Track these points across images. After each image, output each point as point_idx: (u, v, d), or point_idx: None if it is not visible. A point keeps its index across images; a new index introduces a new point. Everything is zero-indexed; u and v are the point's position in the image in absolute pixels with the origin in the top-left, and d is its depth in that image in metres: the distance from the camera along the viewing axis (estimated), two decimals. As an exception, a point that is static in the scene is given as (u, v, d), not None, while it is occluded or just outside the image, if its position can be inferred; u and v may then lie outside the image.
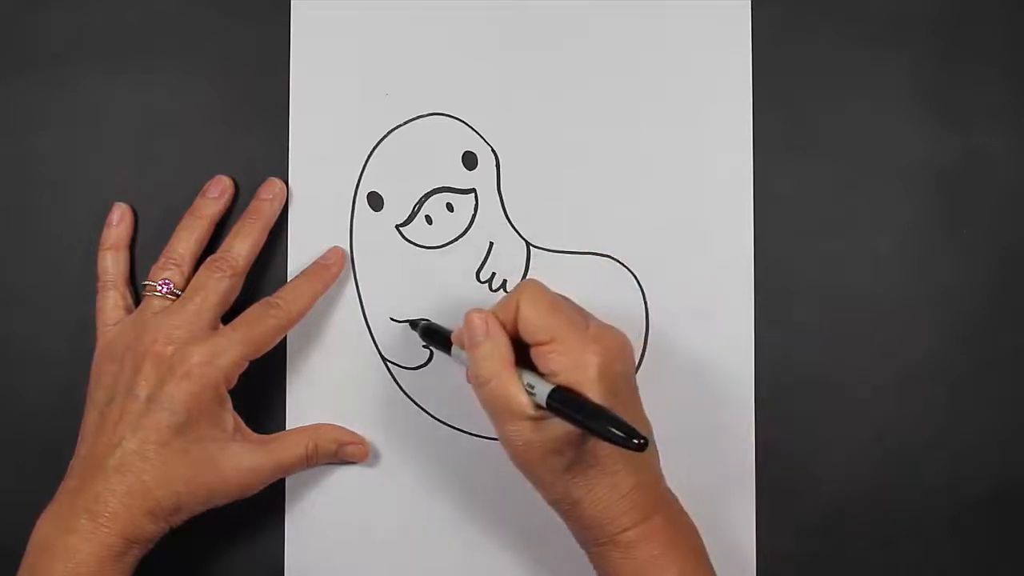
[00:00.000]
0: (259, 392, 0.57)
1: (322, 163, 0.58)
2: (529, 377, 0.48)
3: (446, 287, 0.58)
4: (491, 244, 0.58)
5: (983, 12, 0.58)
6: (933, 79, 0.58)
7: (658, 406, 0.57)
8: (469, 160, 0.58)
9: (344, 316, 0.58)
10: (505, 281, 0.58)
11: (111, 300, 0.56)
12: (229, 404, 0.53)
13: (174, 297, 0.54)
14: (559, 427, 0.48)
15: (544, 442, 0.48)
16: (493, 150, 0.58)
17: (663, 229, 0.58)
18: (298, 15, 0.58)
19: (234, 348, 0.52)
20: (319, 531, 0.58)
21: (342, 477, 0.58)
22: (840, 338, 0.58)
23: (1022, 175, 0.58)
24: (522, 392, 0.48)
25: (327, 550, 0.58)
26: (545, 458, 0.48)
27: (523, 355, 0.49)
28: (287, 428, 0.58)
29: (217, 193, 0.57)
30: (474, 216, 0.58)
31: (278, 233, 0.58)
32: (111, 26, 0.58)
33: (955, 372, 0.58)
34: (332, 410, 0.58)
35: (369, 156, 0.58)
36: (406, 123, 0.58)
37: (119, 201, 0.58)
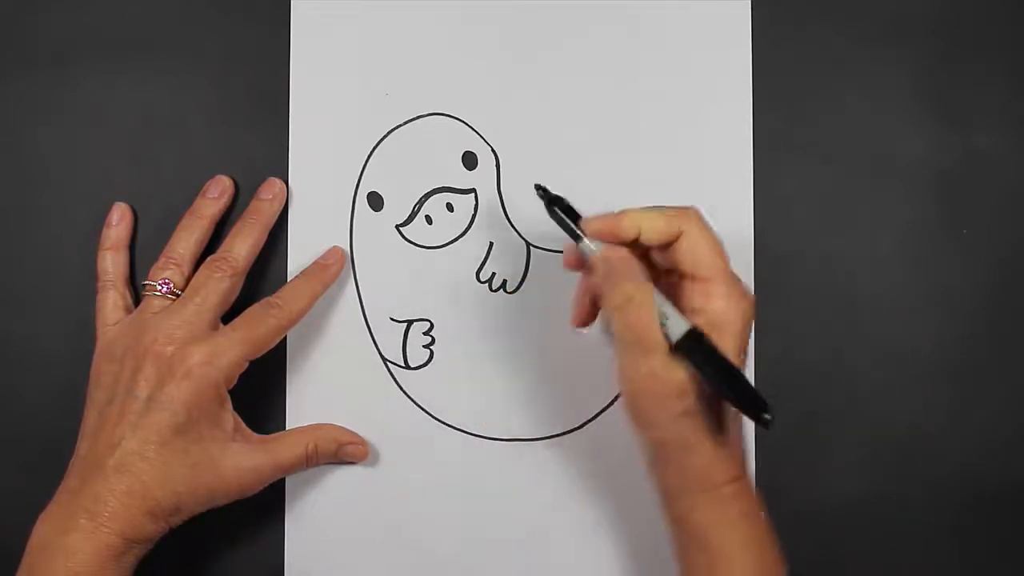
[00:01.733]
0: (259, 392, 0.57)
1: (322, 163, 0.58)
2: (666, 307, 0.46)
3: (446, 287, 0.58)
4: (491, 244, 0.58)
5: (983, 12, 0.58)
6: (933, 79, 0.58)
7: (658, 406, 0.57)
8: (469, 160, 0.58)
9: (344, 316, 0.58)
10: (505, 281, 0.58)
11: (111, 300, 0.56)
12: (229, 404, 0.53)
13: (174, 297, 0.54)
14: (687, 369, 0.46)
15: (668, 382, 0.46)
16: (493, 150, 0.58)
17: (663, 229, 0.58)
18: (298, 15, 0.58)
19: (234, 348, 0.52)
20: (319, 531, 0.58)
21: (342, 477, 0.58)
22: (840, 338, 0.58)
23: (1022, 175, 0.58)
24: (658, 324, 0.46)
25: (327, 550, 0.58)
26: (665, 399, 0.46)
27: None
28: (287, 428, 0.58)
29: (217, 193, 0.57)
30: (474, 216, 0.58)
31: (278, 233, 0.58)
32: (111, 26, 0.58)
33: (955, 372, 0.58)
34: (332, 410, 0.58)
35: (369, 156, 0.58)
36: (406, 123, 0.58)
37: (119, 201, 0.58)
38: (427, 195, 0.58)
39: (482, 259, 0.58)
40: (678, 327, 0.46)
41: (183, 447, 0.51)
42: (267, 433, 0.56)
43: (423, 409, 0.58)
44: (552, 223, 0.58)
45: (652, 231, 0.48)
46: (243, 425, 0.54)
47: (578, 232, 0.49)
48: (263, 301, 0.55)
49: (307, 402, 0.58)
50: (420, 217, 0.58)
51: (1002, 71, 0.58)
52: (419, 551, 0.58)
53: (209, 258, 0.55)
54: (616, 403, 0.57)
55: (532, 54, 0.58)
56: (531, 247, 0.58)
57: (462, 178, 0.58)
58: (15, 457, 0.58)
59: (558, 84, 0.58)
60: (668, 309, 0.46)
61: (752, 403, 0.43)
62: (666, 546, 0.57)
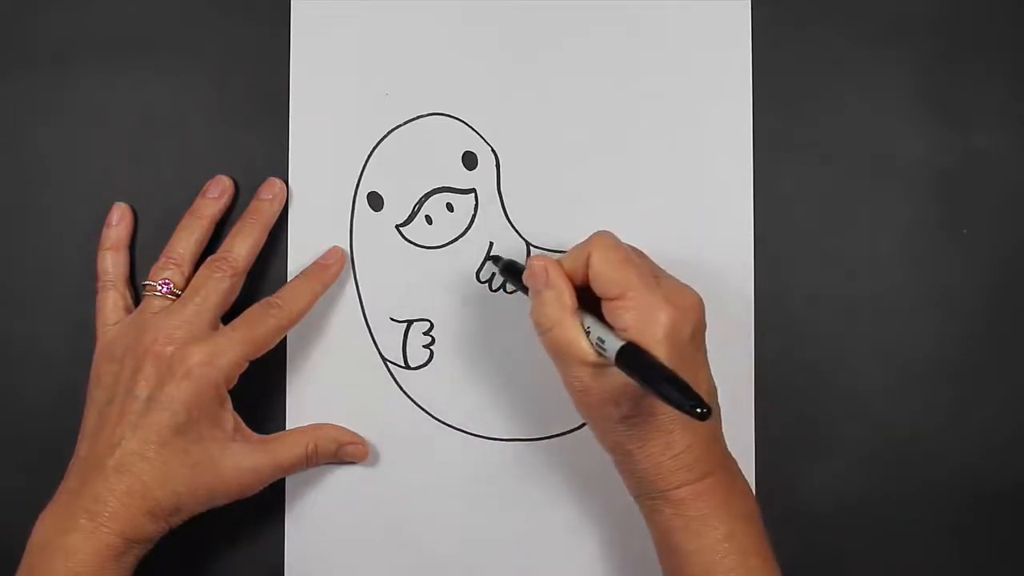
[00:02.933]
0: (259, 392, 0.57)
1: (322, 163, 0.58)
2: (599, 331, 0.48)
3: (446, 287, 0.58)
4: (491, 244, 0.58)
5: (983, 12, 0.58)
6: (933, 79, 0.58)
7: (658, 406, 0.57)
8: (469, 160, 0.58)
9: (344, 316, 0.58)
10: (505, 281, 0.58)
11: (111, 300, 0.56)
12: (229, 404, 0.53)
13: (174, 297, 0.54)
14: (618, 377, 0.47)
15: (602, 390, 0.48)
16: (493, 150, 0.58)
17: (663, 229, 0.58)
18: (298, 15, 0.58)
19: (234, 348, 0.52)
20: (319, 531, 0.58)
21: (342, 477, 0.58)
22: (840, 338, 0.58)
23: (1022, 175, 0.58)
24: (583, 339, 0.48)
25: (327, 550, 0.58)
26: (602, 406, 0.48)
27: (595, 304, 0.49)
28: (287, 428, 0.58)
29: (217, 193, 0.57)
30: (474, 216, 0.58)
31: (278, 233, 0.58)
32: (111, 26, 0.58)
33: (955, 372, 0.58)
34: (332, 410, 0.58)
35: (369, 156, 0.58)
36: (406, 123, 0.58)
37: (119, 201, 0.58)
38: (427, 195, 0.58)
39: (482, 259, 0.58)
40: (613, 346, 0.47)
41: (183, 447, 0.51)
42: (267, 433, 0.56)
43: (423, 409, 0.58)
44: (553, 221, 0.58)
45: (570, 272, 0.50)
46: (243, 425, 0.54)
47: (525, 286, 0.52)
48: (263, 301, 0.55)
49: (307, 402, 0.58)
50: (420, 217, 0.58)
51: (1002, 71, 0.58)
52: (419, 551, 0.58)
53: (209, 258, 0.55)
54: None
55: (532, 54, 0.58)
56: (531, 247, 0.58)
57: (462, 178, 0.58)
58: (15, 457, 0.58)
59: (558, 84, 0.58)
60: (602, 331, 0.48)
61: (691, 401, 0.44)
62: (666, 546, 0.57)
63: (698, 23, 0.58)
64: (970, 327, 0.58)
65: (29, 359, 0.58)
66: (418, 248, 0.58)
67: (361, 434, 0.58)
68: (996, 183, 0.58)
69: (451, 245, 0.58)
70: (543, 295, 0.50)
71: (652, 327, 0.47)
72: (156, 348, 0.52)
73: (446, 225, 0.58)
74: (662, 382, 0.44)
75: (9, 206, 0.58)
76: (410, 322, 0.58)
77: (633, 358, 0.46)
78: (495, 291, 0.58)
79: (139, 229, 0.58)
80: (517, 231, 0.58)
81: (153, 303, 0.54)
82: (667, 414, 0.48)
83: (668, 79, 0.58)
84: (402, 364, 0.58)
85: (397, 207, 0.58)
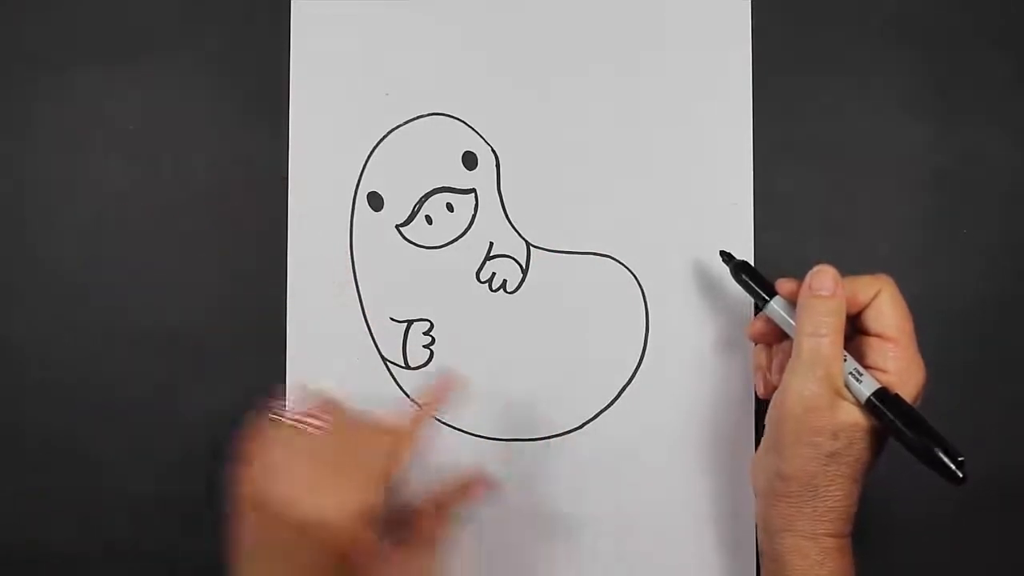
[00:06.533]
0: (259, 392, 0.57)
1: (322, 163, 0.58)
2: (855, 364, 0.49)
3: (446, 287, 0.58)
4: (491, 244, 0.58)
5: (983, 12, 0.58)
6: (933, 79, 0.58)
7: (658, 406, 0.57)
8: (469, 160, 0.58)
9: (344, 316, 0.58)
10: (505, 281, 0.58)
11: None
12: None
13: None
14: (851, 413, 0.48)
15: (831, 420, 0.48)
16: (493, 150, 0.58)
17: (663, 229, 0.58)
18: (298, 15, 0.58)
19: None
20: (319, 531, 0.58)
21: (342, 477, 0.58)
22: (840, 338, 0.58)
23: (1022, 175, 0.58)
24: (841, 362, 0.48)
25: (327, 550, 0.58)
26: (816, 433, 0.48)
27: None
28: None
29: None
30: (474, 216, 0.58)
31: (278, 233, 0.58)
32: (111, 26, 0.58)
33: (954, 372, 0.58)
34: (332, 410, 0.58)
35: (369, 156, 0.58)
36: (406, 123, 0.58)
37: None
38: (427, 195, 0.58)
39: (482, 259, 0.58)
40: (869, 384, 0.48)
41: None
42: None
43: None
44: (553, 221, 0.58)
45: (848, 293, 0.50)
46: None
47: (765, 296, 0.52)
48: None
49: (307, 402, 0.58)
50: (420, 217, 0.58)
51: (1002, 71, 0.58)
52: (419, 551, 0.58)
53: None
54: (616, 403, 0.57)
55: (532, 54, 0.58)
56: (531, 247, 0.58)
57: (462, 178, 0.58)
58: (15, 457, 0.58)
59: (558, 84, 0.58)
60: (857, 365, 0.49)
61: (945, 460, 0.46)
62: (661, 545, 0.57)
63: (698, 23, 0.58)
64: (970, 327, 0.58)
65: (29, 359, 0.58)
66: (418, 248, 0.58)
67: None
68: (996, 183, 0.58)
69: (451, 245, 0.58)
70: (830, 302, 0.49)
71: (907, 383, 0.49)
72: None
73: (446, 225, 0.58)
74: (926, 436, 0.47)
75: (9, 206, 0.58)
76: (410, 322, 0.58)
77: (894, 405, 0.48)
78: (495, 291, 0.58)
79: (139, 229, 0.58)
80: (517, 231, 0.58)
81: None
82: (870, 465, 0.49)
83: (668, 79, 0.58)
84: (402, 364, 0.58)
85: (397, 207, 0.58)
